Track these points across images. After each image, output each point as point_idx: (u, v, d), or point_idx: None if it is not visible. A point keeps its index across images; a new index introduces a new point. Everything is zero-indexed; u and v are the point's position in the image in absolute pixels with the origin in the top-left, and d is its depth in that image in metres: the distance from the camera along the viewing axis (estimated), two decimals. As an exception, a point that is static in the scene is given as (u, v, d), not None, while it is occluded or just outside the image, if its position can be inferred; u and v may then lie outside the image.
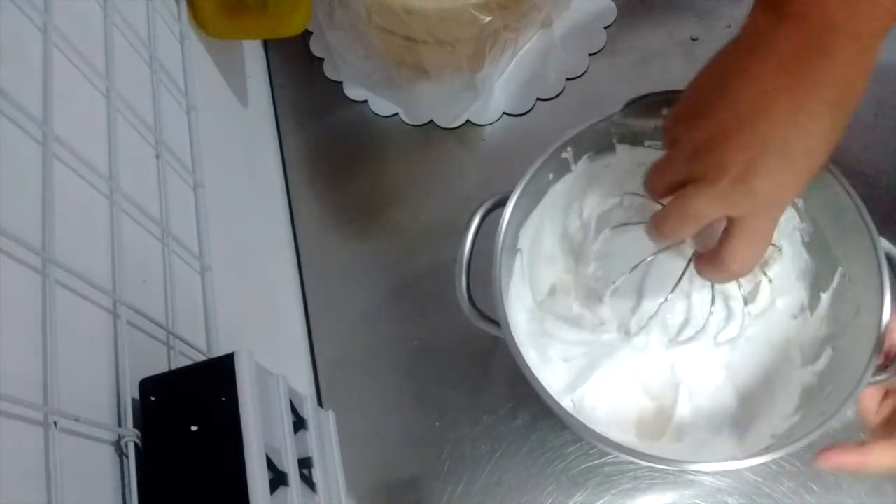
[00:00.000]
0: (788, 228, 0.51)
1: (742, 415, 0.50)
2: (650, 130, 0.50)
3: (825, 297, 0.49)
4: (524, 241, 0.52)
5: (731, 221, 0.39)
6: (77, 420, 0.29)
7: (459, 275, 0.47)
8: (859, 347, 0.43)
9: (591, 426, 0.43)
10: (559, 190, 0.52)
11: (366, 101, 0.72)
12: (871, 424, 0.43)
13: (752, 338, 0.51)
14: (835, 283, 0.48)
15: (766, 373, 0.50)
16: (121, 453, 0.32)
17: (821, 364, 0.47)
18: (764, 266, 0.51)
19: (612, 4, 0.74)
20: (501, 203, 0.49)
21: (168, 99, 0.47)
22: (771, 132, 0.36)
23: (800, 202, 0.49)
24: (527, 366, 0.44)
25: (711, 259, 0.41)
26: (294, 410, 0.38)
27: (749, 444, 0.47)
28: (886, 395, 0.43)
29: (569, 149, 0.50)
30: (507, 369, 0.60)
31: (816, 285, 0.50)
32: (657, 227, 0.41)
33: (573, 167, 0.52)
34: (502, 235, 0.48)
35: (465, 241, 0.48)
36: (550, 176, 0.51)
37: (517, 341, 0.45)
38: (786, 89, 0.36)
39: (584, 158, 0.52)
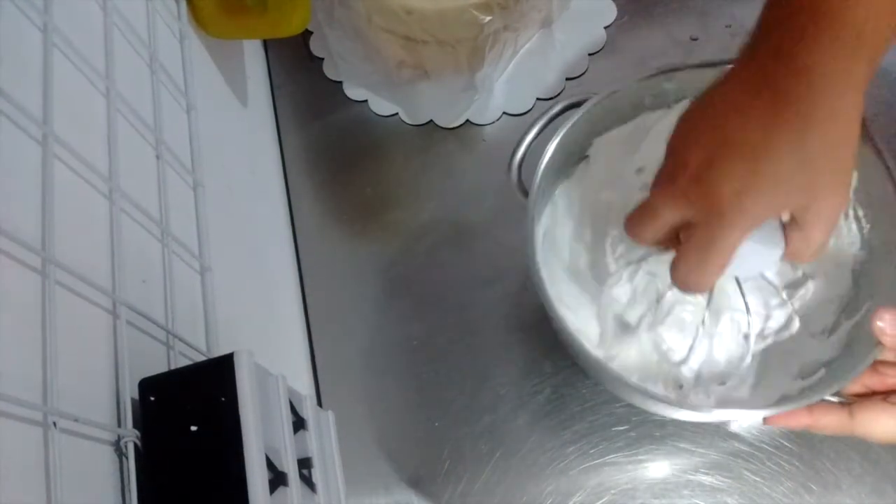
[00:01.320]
0: (847, 252, 0.50)
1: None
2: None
3: (846, 325, 0.48)
4: (596, 150, 0.52)
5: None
6: (76, 420, 0.29)
7: (517, 150, 0.50)
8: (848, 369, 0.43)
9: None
10: (651, 120, 0.52)
11: (366, 100, 0.72)
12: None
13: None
14: (859, 315, 0.48)
15: (758, 362, 0.50)
16: (120, 453, 0.32)
17: (809, 381, 0.47)
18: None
19: (612, 4, 0.74)
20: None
21: (168, 99, 0.47)
22: (731, 135, 0.38)
23: (867, 227, 0.49)
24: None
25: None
26: (294, 410, 0.38)
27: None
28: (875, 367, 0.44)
29: (673, 78, 0.49)
30: (507, 369, 0.60)
31: (845, 312, 0.50)
32: (686, 286, 0.41)
33: (673, 105, 0.51)
34: (566, 129, 0.49)
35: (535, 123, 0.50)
36: (647, 101, 0.50)
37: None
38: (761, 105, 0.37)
39: (687, 101, 0.50)
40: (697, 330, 0.49)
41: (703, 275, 0.40)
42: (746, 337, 0.49)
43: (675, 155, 0.41)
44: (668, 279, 0.43)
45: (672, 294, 0.49)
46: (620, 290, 0.50)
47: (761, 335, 0.50)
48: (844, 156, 0.37)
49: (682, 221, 0.41)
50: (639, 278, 0.50)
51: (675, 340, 0.50)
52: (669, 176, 0.41)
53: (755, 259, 0.42)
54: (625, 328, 0.50)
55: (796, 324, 0.49)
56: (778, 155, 0.36)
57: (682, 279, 0.41)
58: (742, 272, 0.46)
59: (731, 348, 0.49)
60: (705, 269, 0.40)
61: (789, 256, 0.42)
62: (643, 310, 0.50)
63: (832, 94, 0.36)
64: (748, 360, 0.49)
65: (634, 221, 0.43)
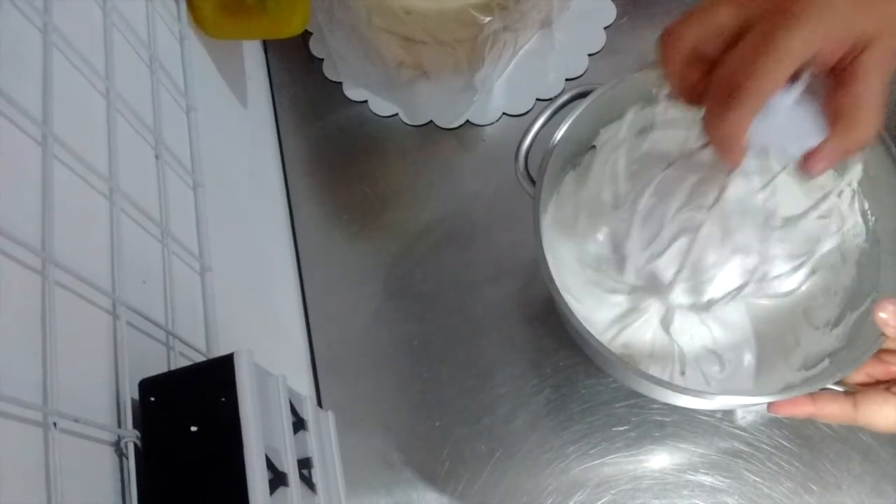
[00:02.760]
0: (852, 244, 0.50)
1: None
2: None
3: (850, 317, 0.48)
4: (603, 140, 0.52)
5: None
6: (76, 421, 0.29)
7: (523, 140, 0.51)
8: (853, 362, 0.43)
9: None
10: (658, 111, 0.52)
11: (365, 101, 0.72)
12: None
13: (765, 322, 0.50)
14: (864, 307, 0.47)
15: (760, 353, 0.50)
16: (120, 454, 0.32)
17: (812, 372, 0.47)
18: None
19: (612, 4, 0.74)
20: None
21: (168, 99, 0.47)
22: None
23: (872, 219, 0.49)
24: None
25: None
26: (294, 411, 0.38)
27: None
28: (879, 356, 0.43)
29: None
30: (507, 369, 0.60)
31: (849, 305, 0.49)
32: (728, 97, 0.34)
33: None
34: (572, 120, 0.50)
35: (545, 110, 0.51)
36: (655, 91, 0.51)
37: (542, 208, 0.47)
38: None
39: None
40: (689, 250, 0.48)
41: (752, 83, 0.34)
42: (750, 271, 0.48)
43: None
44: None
45: (672, 229, 0.48)
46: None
47: (764, 280, 0.49)
48: None
49: (736, 24, 0.35)
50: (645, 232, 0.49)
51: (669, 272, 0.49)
52: None
53: (790, 133, 0.38)
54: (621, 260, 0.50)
55: (800, 276, 0.48)
56: None
57: (725, 85, 0.34)
58: (775, 142, 0.41)
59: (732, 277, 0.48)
60: (755, 75, 0.33)
61: (833, 142, 0.37)
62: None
63: None
64: (750, 288, 0.48)
65: (676, 21, 0.36)
